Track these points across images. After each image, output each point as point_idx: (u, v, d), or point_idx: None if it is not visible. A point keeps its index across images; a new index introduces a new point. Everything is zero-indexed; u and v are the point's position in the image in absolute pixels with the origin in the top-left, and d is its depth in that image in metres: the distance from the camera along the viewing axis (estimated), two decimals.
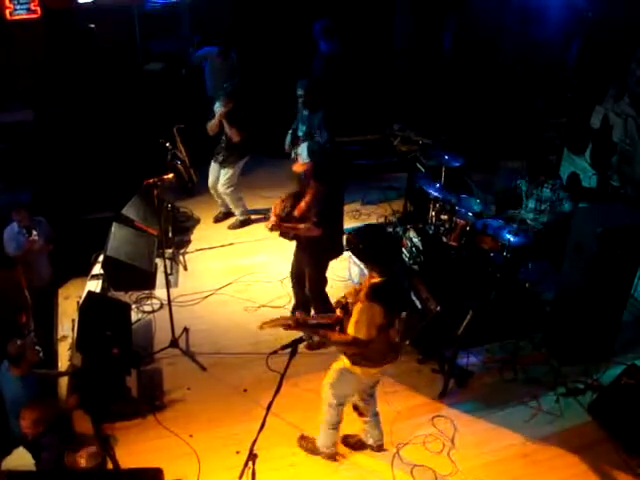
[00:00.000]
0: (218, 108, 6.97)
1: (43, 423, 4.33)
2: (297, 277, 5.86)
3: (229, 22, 9.18)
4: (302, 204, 5.37)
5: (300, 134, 6.83)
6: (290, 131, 7.04)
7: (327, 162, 5.31)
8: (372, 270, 4.25)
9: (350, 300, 4.35)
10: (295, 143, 6.88)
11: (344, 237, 5.76)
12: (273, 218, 5.40)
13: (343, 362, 4.38)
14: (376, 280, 4.18)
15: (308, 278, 5.67)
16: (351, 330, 4.14)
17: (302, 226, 5.30)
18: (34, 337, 5.78)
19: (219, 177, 7.33)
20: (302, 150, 5.27)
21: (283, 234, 5.49)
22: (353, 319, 4.14)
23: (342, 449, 4.92)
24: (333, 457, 4.86)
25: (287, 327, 4.28)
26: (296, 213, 5.38)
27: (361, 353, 4.22)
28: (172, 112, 8.10)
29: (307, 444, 4.91)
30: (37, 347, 5.31)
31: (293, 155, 6.89)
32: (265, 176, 8.50)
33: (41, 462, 4.29)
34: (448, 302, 5.58)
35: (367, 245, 4.18)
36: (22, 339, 4.91)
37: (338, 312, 4.42)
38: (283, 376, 3.92)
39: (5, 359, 4.79)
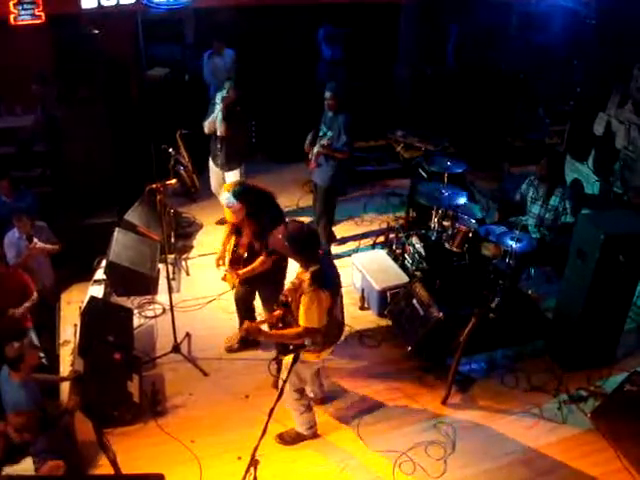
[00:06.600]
0: (222, 96, 6.85)
1: (28, 431, 4.30)
2: (245, 304, 5.76)
3: (234, 29, 9.22)
4: (244, 239, 5.32)
5: (321, 134, 6.86)
6: (312, 131, 7.05)
7: (257, 198, 5.25)
8: (304, 262, 4.37)
9: (290, 298, 4.45)
10: (314, 143, 6.92)
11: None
12: (227, 269, 5.35)
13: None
14: (311, 269, 4.30)
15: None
16: (302, 321, 4.26)
17: (257, 263, 5.21)
18: (33, 339, 5.76)
19: (222, 180, 7.34)
20: (227, 199, 5.10)
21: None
22: (303, 310, 4.25)
23: (344, 454, 4.94)
24: (315, 434, 5.02)
25: (244, 338, 4.46)
26: (242, 250, 5.33)
27: (314, 339, 4.36)
28: (175, 118, 8.12)
29: (287, 437, 4.98)
30: (40, 352, 5.31)
31: (311, 155, 6.92)
32: (270, 181, 8.47)
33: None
34: (451, 309, 5.59)
35: (292, 240, 4.30)
36: (20, 341, 4.83)
37: (278, 311, 4.54)
38: (285, 382, 3.92)
39: (4, 365, 4.74)
